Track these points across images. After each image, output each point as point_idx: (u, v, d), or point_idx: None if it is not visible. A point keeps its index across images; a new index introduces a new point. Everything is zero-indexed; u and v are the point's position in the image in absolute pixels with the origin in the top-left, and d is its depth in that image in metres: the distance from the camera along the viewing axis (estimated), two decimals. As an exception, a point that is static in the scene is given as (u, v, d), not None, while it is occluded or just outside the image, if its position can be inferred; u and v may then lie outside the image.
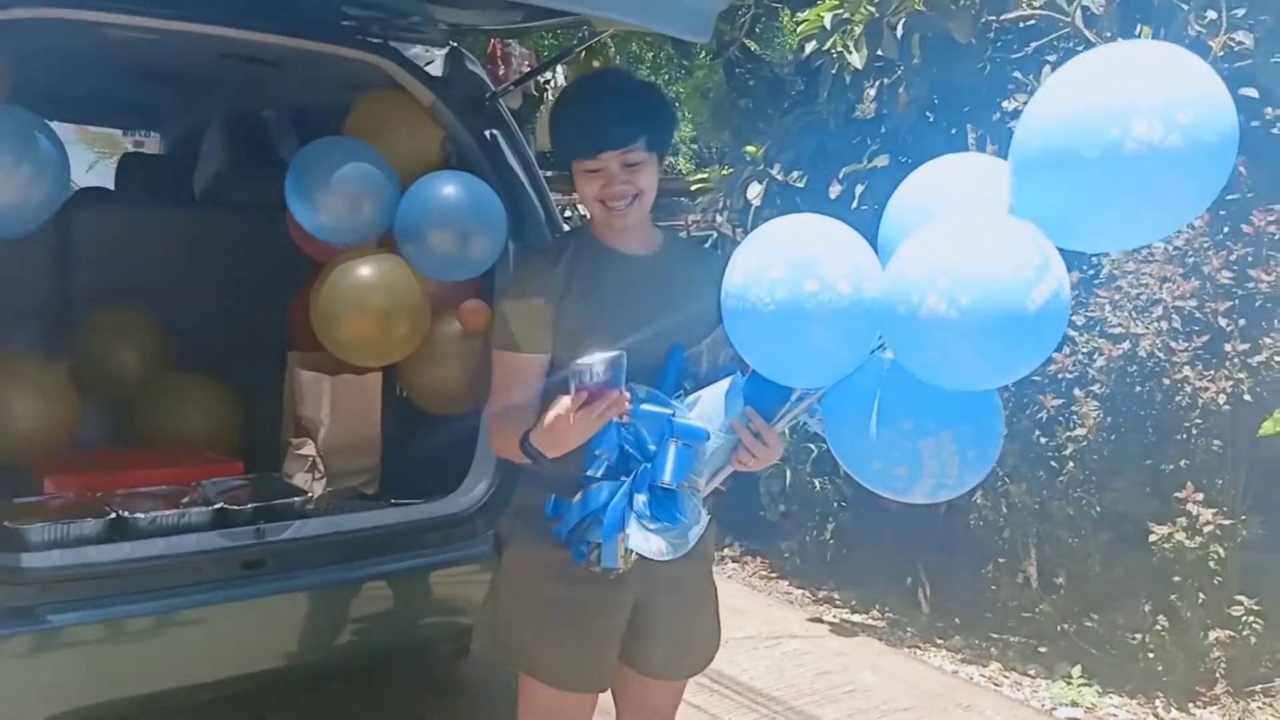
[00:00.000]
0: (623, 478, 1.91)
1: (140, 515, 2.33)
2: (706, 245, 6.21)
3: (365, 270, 2.77)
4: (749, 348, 1.79)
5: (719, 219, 5.65)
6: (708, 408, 1.90)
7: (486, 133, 2.91)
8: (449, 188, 2.73)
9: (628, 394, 1.83)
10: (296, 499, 2.58)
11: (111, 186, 4.54)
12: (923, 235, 1.61)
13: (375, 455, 2.95)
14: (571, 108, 1.99)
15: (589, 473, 1.92)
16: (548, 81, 8.85)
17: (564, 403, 1.81)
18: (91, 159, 11.85)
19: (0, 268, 2.44)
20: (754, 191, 4.82)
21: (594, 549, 1.92)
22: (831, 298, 1.64)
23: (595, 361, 1.78)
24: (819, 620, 4.52)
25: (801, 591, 4.89)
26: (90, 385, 3.07)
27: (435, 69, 2.94)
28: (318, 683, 3.19)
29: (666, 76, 9.36)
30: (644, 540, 1.88)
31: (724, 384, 1.91)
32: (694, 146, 11.99)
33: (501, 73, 8.49)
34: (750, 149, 4.92)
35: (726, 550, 5.30)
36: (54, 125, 2.46)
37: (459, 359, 2.90)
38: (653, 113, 1.97)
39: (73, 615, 2.13)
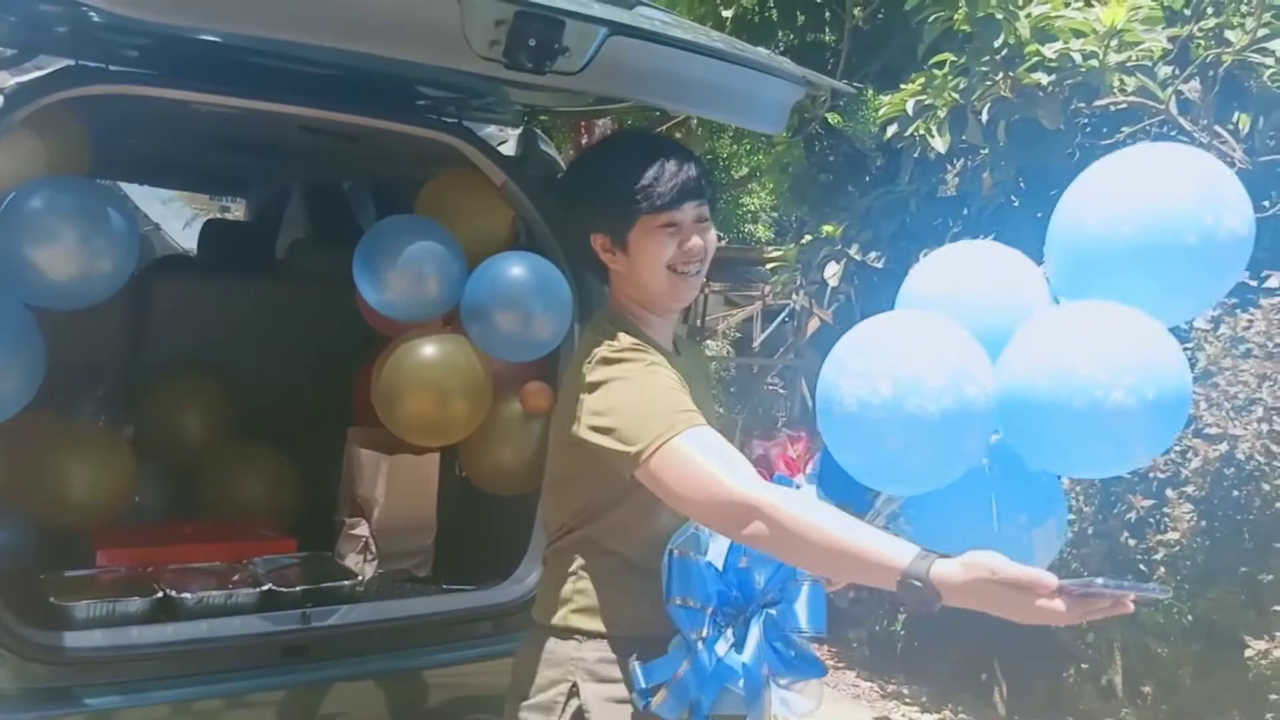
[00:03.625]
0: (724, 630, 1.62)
1: (187, 595, 2.29)
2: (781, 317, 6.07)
3: (428, 349, 2.73)
4: (853, 453, 1.60)
5: (796, 295, 5.58)
6: None
7: (557, 213, 2.87)
8: (516, 268, 2.68)
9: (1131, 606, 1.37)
10: (346, 582, 2.52)
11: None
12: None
13: (429, 537, 2.89)
14: (639, 158, 1.72)
15: (693, 635, 1.61)
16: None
17: (1047, 583, 1.32)
18: (189, 216, 12.23)
19: (71, 333, 2.42)
20: (831, 271, 4.74)
21: None
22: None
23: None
24: (887, 719, 4.32)
25: (869, 685, 4.69)
26: (152, 452, 3.06)
27: (508, 149, 2.92)
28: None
29: (749, 146, 9.33)
30: (789, 702, 1.64)
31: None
32: (774, 215, 11.92)
33: (585, 142, 8.58)
34: (828, 229, 4.84)
35: (792, 637, 5.12)
36: (141, 189, 2.48)
37: (520, 440, 2.84)
38: (710, 174, 1.78)
39: (109, 699, 2.08)
